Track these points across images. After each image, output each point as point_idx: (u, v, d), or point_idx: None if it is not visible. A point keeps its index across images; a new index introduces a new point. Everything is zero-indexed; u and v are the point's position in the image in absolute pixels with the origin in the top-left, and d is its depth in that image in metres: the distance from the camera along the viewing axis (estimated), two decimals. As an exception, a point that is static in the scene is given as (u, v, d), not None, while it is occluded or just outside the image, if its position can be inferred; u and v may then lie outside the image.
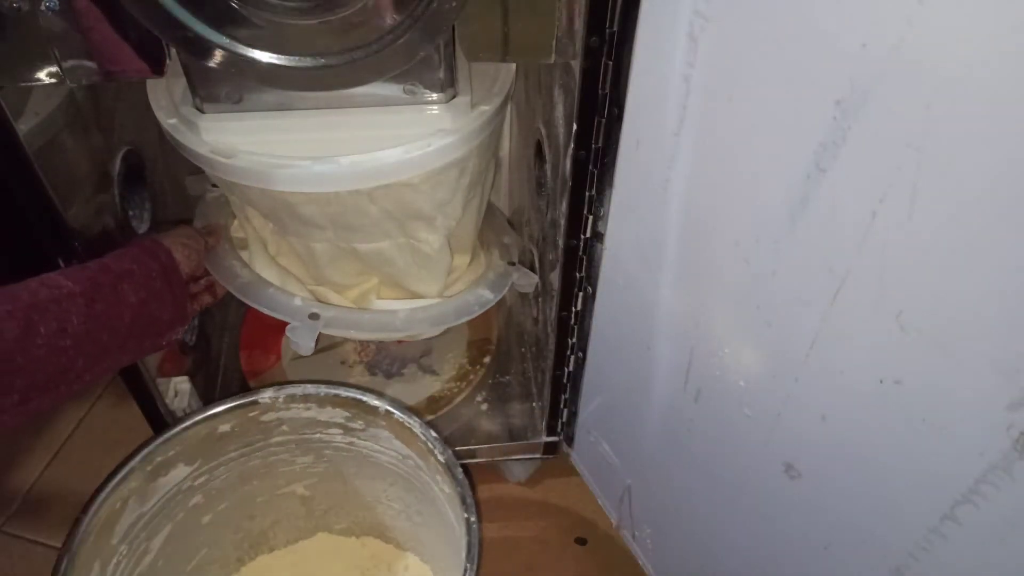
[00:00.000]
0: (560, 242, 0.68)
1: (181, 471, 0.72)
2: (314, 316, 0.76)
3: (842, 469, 0.50)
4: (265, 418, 0.74)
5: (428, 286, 0.79)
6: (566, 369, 0.82)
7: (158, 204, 0.83)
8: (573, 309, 0.74)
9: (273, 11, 0.53)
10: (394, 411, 0.71)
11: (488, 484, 1.01)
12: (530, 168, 0.83)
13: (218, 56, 0.55)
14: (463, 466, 0.69)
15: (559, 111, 0.65)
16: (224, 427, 0.72)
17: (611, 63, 0.54)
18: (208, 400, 0.93)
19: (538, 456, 0.95)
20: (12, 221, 0.64)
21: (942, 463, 0.41)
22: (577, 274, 0.71)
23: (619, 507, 0.88)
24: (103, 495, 0.65)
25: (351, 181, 0.63)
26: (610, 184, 0.62)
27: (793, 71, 0.41)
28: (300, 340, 0.75)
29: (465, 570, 0.65)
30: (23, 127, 0.58)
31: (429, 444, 0.69)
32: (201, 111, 0.64)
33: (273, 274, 0.77)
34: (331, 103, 0.64)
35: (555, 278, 0.73)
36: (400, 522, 0.85)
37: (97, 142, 0.72)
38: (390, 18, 0.54)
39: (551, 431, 0.91)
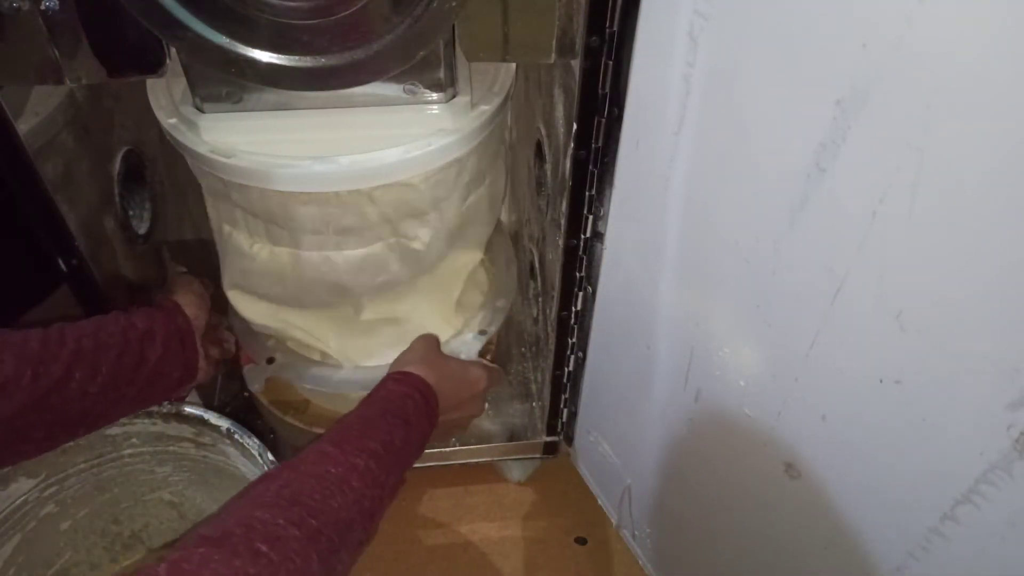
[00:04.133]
0: (560, 242, 0.68)
1: (23, 484, 0.72)
2: (271, 360, 0.84)
3: (842, 469, 0.50)
4: (112, 432, 0.74)
5: (424, 291, 0.79)
6: (566, 369, 0.82)
7: (158, 204, 0.83)
8: (573, 309, 0.74)
9: (273, 11, 0.53)
10: (235, 431, 0.71)
11: (488, 484, 1.01)
12: (530, 168, 0.83)
13: (218, 56, 0.55)
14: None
15: (559, 111, 0.65)
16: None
17: (611, 63, 0.54)
18: (208, 400, 0.93)
19: (538, 456, 0.95)
20: (12, 221, 0.65)
21: (942, 463, 0.41)
22: (577, 274, 0.71)
23: (619, 507, 0.88)
24: None
25: (351, 181, 0.63)
26: (610, 184, 0.62)
27: (793, 71, 0.41)
28: (251, 380, 0.84)
29: None
30: (23, 127, 0.58)
31: (267, 467, 0.70)
32: (201, 111, 0.64)
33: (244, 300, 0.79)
34: (331, 103, 0.64)
35: (555, 278, 0.73)
36: None
37: (97, 142, 0.72)
38: (390, 18, 0.54)
39: (551, 431, 0.91)
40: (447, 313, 0.85)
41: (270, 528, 0.45)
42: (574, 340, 0.78)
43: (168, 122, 0.65)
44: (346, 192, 0.64)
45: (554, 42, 0.55)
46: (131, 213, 0.77)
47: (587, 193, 0.63)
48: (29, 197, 0.61)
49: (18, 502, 0.73)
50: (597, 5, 0.51)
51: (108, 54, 0.55)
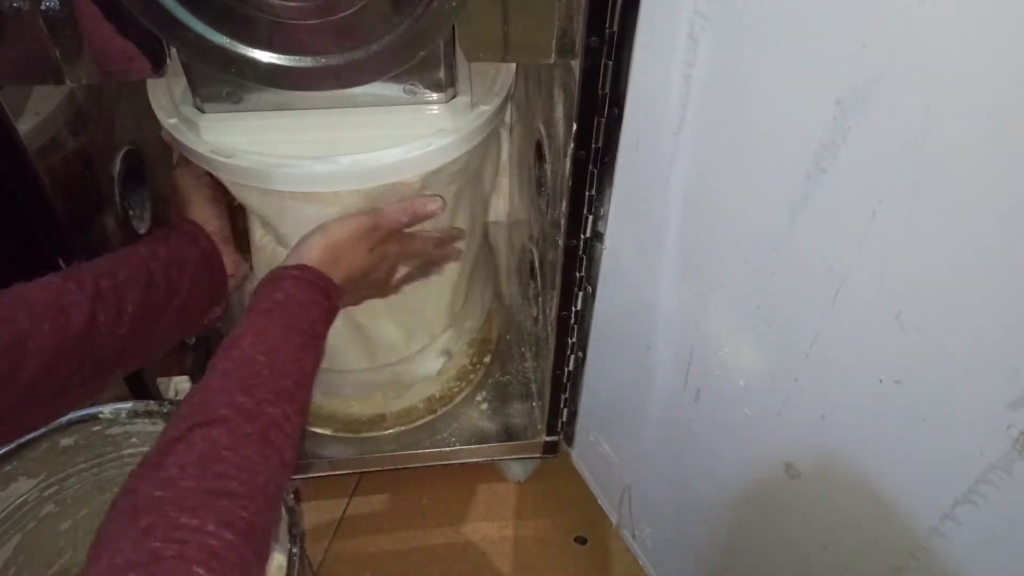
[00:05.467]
0: (560, 242, 0.68)
1: (24, 484, 0.72)
2: None
3: (842, 469, 0.50)
4: (112, 432, 0.73)
5: (425, 293, 0.79)
6: (566, 369, 0.82)
7: (158, 204, 0.83)
8: (573, 309, 0.74)
9: (273, 11, 0.53)
10: None
11: (488, 484, 1.01)
12: (530, 168, 0.83)
13: (218, 56, 0.55)
14: (295, 494, 0.69)
15: (559, 111, 0.65)
16: (66, 441, 0.72)
17: (611, 63, 0.54)
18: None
19: (538, 456, 0.95)
20: (12, 221, 0.64)
21: (942, 463, 0.41)
22: (577, 274, 0.71)
23: (619, 507, 0.88)
24: None
25: (351, 181, 0.63)
26: (610, 184, 0.62)
27: (793, 71, 0.41)
28: None
29: None
30: (23, 127, 0.58)
31: None
32: (201, 111, 0.64)
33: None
34: (331, 103, 0.64)
35: (555, 278, 0.73)
36: None
37: (97, 142, 0.72)
38: (390, 18, 0.54)
39: (551, 431, 0.91)
40: (412, 327, 0.85)
41: (202, 540, 0.40)
42: (574, 340, 0.78)
43: (168, 122, 0.65)
44: (346, 192, 0.64)
45: (554, 42, 0.55)
46: (131, 213, 0.77)
47: (587, 193, 0.63)
48: (29, 197, 0.61)
49: (18, 502, 0.73)
50: (597, 5, 0.51)
51: (108, 54, 0.55)
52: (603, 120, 0.58)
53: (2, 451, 0.68)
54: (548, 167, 0.74)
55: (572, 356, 0.80)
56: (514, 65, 0.72)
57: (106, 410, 0.71)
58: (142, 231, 0.79)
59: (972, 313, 0.36)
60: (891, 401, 0.43)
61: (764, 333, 0.52)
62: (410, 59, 0.57)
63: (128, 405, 0.72)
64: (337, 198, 0.64)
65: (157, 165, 0.83)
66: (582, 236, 0.67)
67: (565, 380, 0.83)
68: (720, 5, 0.44)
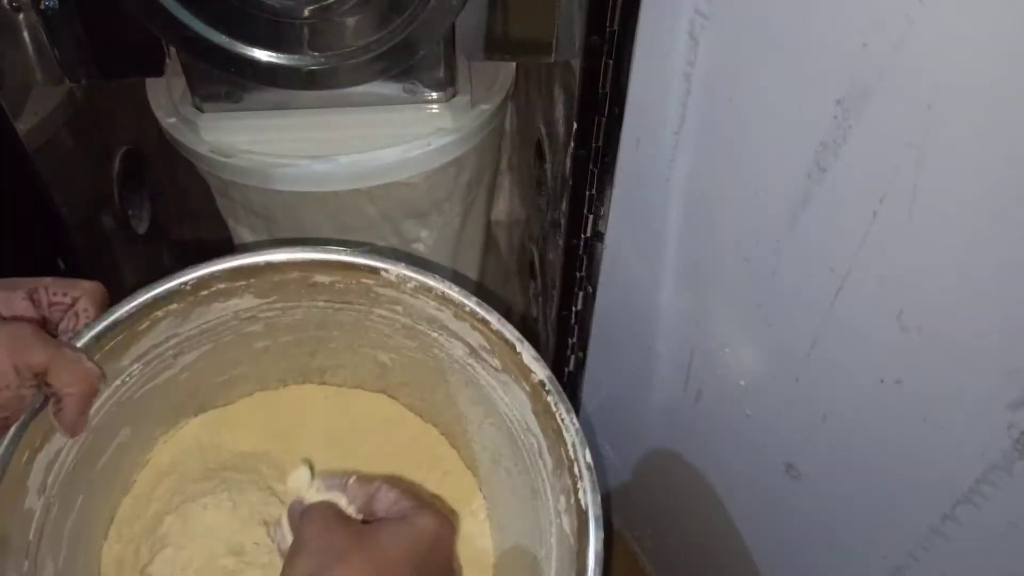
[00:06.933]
0: (560, 242, 0.68)
1: (247, 301, 0.57)
2: None
3: (842, 469, 0.50)
4: (382, 291, 0.56)
5: None
6: (566, 369, 0.82)
7: (158, 204, 0.83)
8: (573, 309, 0.74)
9: (273, 11, 0.53)
10: (547, 384, 0.50)
11: (488, 484, 1.01)
12: (530, 168, 0.83)
13: (218, 56, 0.55)
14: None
15: (559, 110, 0.65)
16: (323, 278, 0.55)
17: (611, 62, 0.54)
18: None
19: (538, 456, 0.94)
20: (12, 221, 0.65)
21: (942, 463, 0.41)
22: (577, 274, 0.70)
23: (619, 507, 0.88)
24: (126, 309, 0.49)
25: (351, 180, 0.63)
26: (610, 183, 0.62)
27: (794, 70, 0.41)
28: None
29: None
30: (23, 127, 0.58)
31: (574, 455, 0.49)
32: (201, 110, 0.64)
33: None
34: (331, 102, 0.64)
35: (555, 278, 0.73)
36: (481, 456, 0.64)
37: (97, 142, 0.72)
38: (390, 17, 0.54)
39: (551, 431, 0.91)
40: None
41: None
42: (574, 340, 0.78)
43: (168, 122, 0.65)
44: (346, 191, 0.64)
45: (554, 41, 0.55)
46: (131, 213, 0.78)
47: (587, 192, 0.63)
48: (27, 196, 0.61)
49: (229, 316, 0.58)
50: (597, 4, 0.51)
51: (108, 54, 0.55)
52: (603, 119, 0.58)
53: (245, 262, 0.52)
54: (548, 167, 0.74)
55: (572, 356, 0.80)
56: (514, 65, 0.72)
57: (392, 271, 0.53)
58: (141, 231, 0.80)
59: (972, 313, 0.36)
60: (891, 401, 0.43)
61: (764, 333, 0.52)
62: (410, 58, 0.57)
63: (420, 278, 0.53)
64: (336, 197, 0.64)
65: (156, 165, 0.83)
66: (582, 236, 0.67)
67: (565, 380, 0.83)
68: (720, 5, 0.44)
